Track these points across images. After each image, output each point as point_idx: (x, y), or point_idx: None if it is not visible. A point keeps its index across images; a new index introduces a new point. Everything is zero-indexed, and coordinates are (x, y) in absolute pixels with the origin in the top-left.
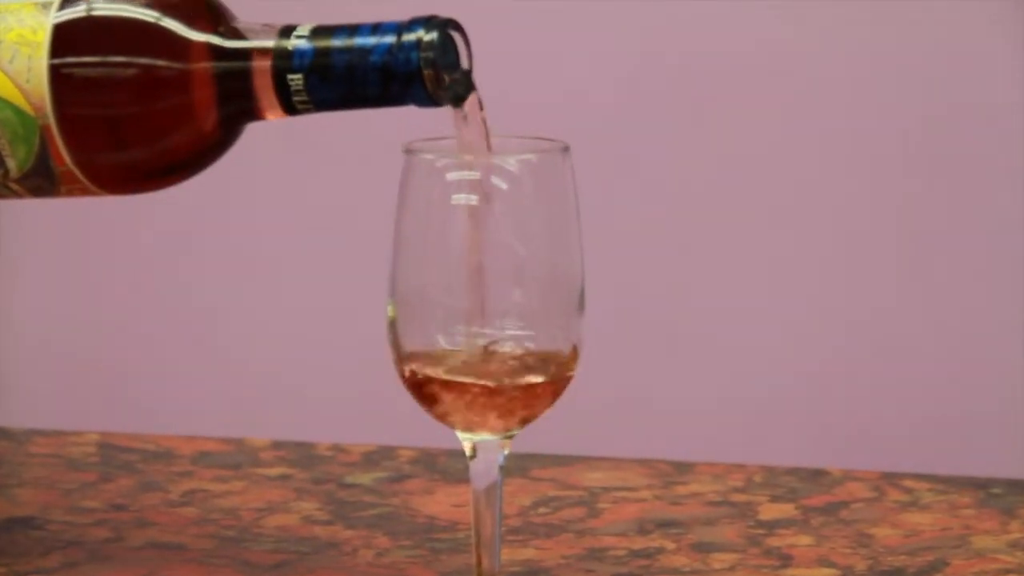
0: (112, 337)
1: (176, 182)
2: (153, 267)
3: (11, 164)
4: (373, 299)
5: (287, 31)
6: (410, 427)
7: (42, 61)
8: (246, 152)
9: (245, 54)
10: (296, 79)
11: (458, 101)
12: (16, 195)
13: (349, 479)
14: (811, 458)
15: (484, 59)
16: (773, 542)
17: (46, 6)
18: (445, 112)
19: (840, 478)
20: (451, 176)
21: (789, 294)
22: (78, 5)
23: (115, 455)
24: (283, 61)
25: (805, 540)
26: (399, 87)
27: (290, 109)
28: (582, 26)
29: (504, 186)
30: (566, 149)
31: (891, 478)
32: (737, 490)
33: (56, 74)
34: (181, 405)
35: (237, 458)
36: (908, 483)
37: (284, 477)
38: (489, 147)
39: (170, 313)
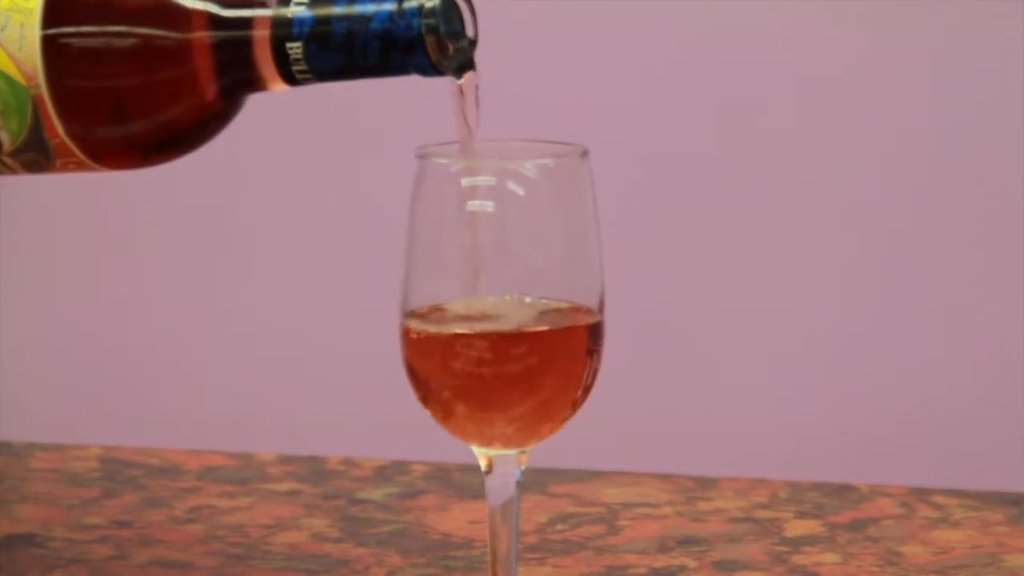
0: (115, 348)
1: (175, 156)
2: (158, 277)
3: (4, 136)
4: (385, 309)
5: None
6: (423, 441)
7: (34, 29)
8: (255, 160)
9: (244, 22)
10: (295, 47)
11: (462, 70)
12: (11, 170)
13: (360, 495)
14: (838, 473)
15: (501, 60)
16: (799, 560)
17: None
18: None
19: (868, 494)
20: (466, 182)
21: (816, 306)
22: None
23: (118, 470)
24: (282, 29)
25: (832, 558)
26: (400, 55)
27: (290, 79)
28: (602, 27)
29: (520, 191)
30: (585, 153)
31: (921, 494)
32: (761, 506)
33: (48, 43)
34: (187, 418)
35: (245, 473)
36: (938, 499)
37: (293, 493)
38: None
39: (175, 323)
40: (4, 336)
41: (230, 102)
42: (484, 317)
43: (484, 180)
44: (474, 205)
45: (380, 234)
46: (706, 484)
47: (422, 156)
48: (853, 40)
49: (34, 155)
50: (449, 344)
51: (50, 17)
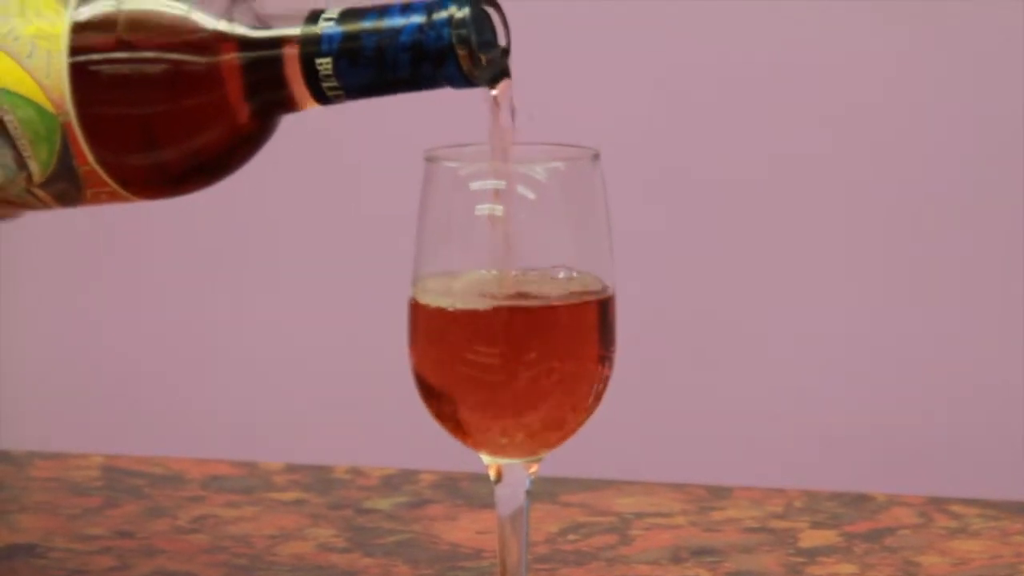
0: (117, 354)
1: (208, 182)
2: (162, 283)
3: (34, 167)
4: (392, 316)
5: (314, 16)
6: (432, 450)
7: (61, 56)
8: (262, 168)
9: (273, 42)
10: (325, 63)
11: (496, 80)
12: (43, 203)
13: (367, 504)
14: (854, 482)
15: (511, 63)
16: (814, 571)
17: (65, 0)
18: (465, 120)
19: (885, 503)
20: (475, 185)
21: (832, 313)
22: None
23: (121, 479)
24: (311, 46)
25: (848, 569)
26: (431, 66)
27: (321, 97)
28: (614, 31)
29: (531, 195)
30: (596, 157)
31: (938, 503)
32: (776, 516)
33: (76, 70)
34: (190, 426)
35: (249, 482)
36: (956, 508)
37: (299, 502)
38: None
39: (179, 330)
40: (5, 344)
41: (262, 124)
42: (492, 326)
43: (494, 183)
44: (484, 209)
45: (386, 239)
46: (720, 493)
47: (430, 159)
48: (869, 44)
49: (65, 185)
50: (458, 348)
51: (77, 44)
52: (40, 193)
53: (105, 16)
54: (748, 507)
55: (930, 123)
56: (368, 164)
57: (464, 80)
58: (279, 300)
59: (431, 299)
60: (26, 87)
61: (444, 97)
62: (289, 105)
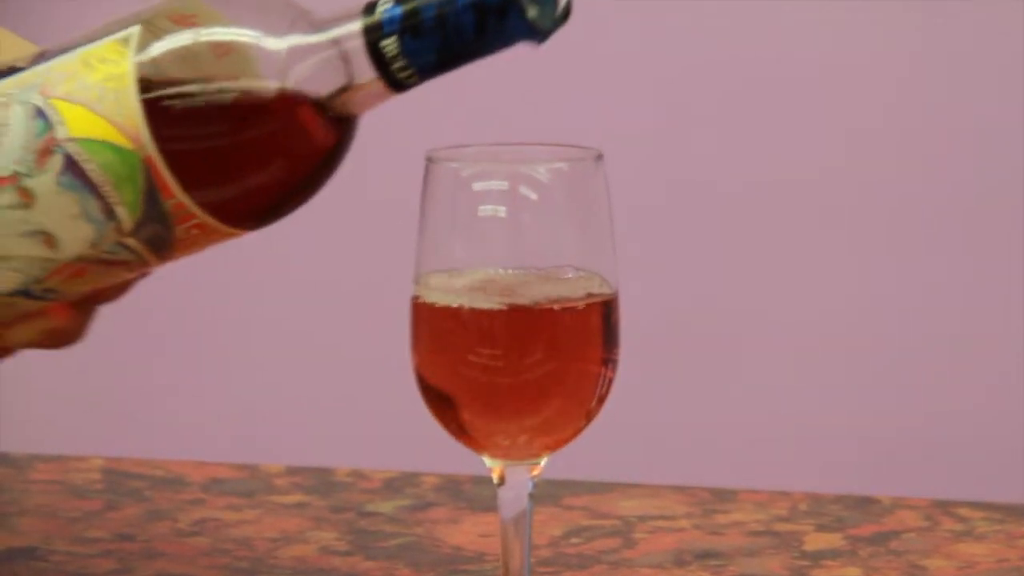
0: (118, 356)
1: (303, 199)
2: (162, 283)
3: (122, 212)
4: (394, 317)
5: (371, 6)
6: (434, 452)
7: (130, 92)
8: None
9: (337, 41)
10: (390, 45)
11: (564, 20)
12: (139, 258)
13: (369, 507)
14: (859, 485)
15: (515, 64)
16: (819, 574)
17: (126, 40)
18: (466, 120)
19: (890, 506)
20: (477, 186)
21: (836, 314)
22: (158, 34)
23: (121, 482)
24: (374, 33)
25: (853, 572)
26: (495, 21)
27: (393, 82)
28: (618, 32)
29: (534, 195)
30: (599, 157)
31: (944, 506)
32: (781, 519)
33: (148, 105)
34: (191, 429)
35: (251, 485)
36: (962, 512)
37: (301, 505)
38: None
39: (179, 331)
40: None
41: (343, 129)
42: (495, 327)
43: (497, 184)
44: (486, 210)
45: (387, 240)
46: (724, 496)
47: (432, 160)
48: (872, 42)
49: (155, 228)
50: (461, 351)
51: (144, 83)
52: (132, 243)
53: (168, 51)
54: (752, 510)
55: (936, 127)
56: (369, 165)
57: (533, 30)
58: (280, 301)
59: (434, 298)
60: (101, 130)
61: (445, 97)
62: (366, 100)
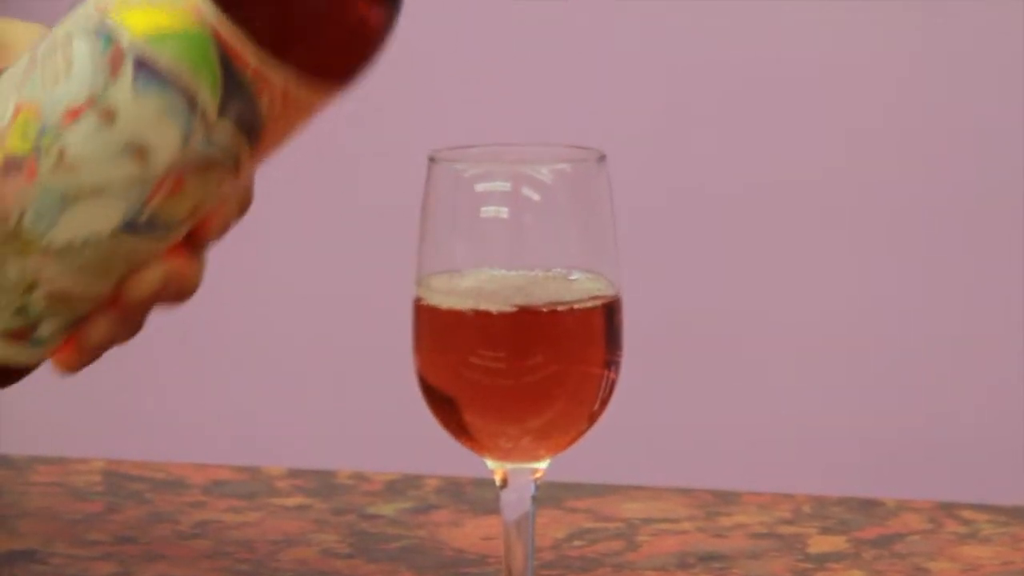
0: (118, 358)
1: (377, 45)
2: None
3: (204, 98)
4: (396, 318)
5: None
6: (436, 454)
7: None
8: (265, 170)
9: None
10: None
11: None
12: (230, 155)
13: (371, 509)
14: (863, 487)
15: (519, 65)
16: None
17: None
18: (468, 120)
19: (894, 509)
20: (480, 187)
21: (840, 315)
22: None
23: (122, 484)
24: None
25: (857, 575)
26: None
27: None
28: (622, 31)
29: (537, 197)
30: (602, 158)
31: (949, 509)
32: (785, 521)
33: None
34: (192, 430)
35: (252, 487)
36: (967, 514)
37: (302, 508)
38: None
39: (180, 333)
40: None
41: None
42: (498, 329)
43: (499, 185)
44: (489, 211)
45: (388, 241)
46: (728, 499)
47: (435, 161)
48: (873, 42)
49: (238, 106)
50: (464, 353)
51: None
52: (221, 133)
53: None
54: (756, 512)
55: (938, 127)
56: (371, 166)
57: None
58: (281, 303)
59: (436, 300)
60: (163, 21)
61: (447, 98)
62: None
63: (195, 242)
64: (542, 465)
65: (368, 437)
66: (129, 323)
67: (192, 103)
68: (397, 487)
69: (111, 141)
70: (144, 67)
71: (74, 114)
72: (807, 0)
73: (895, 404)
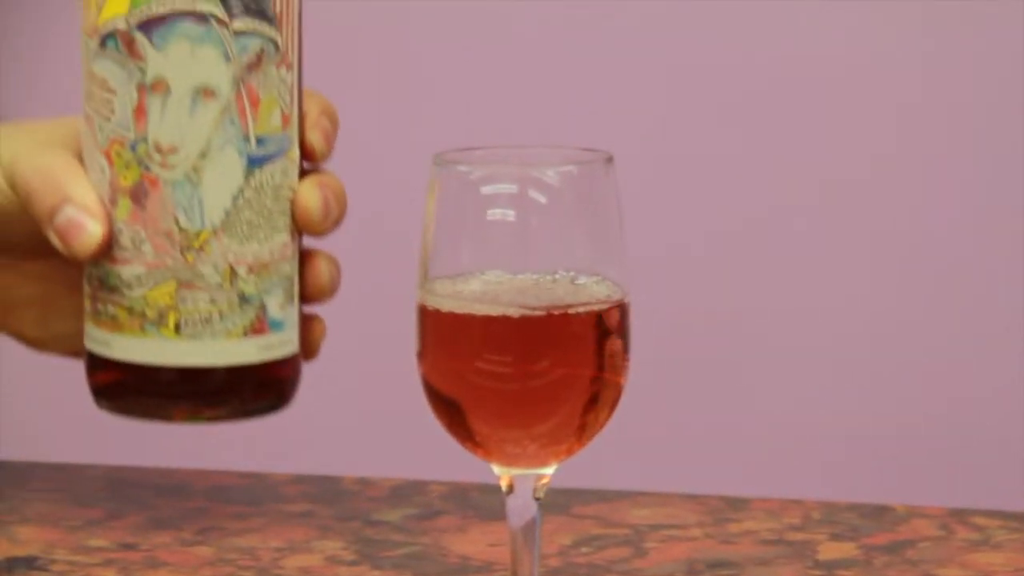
0: None
1: None
2: None
3: (211, 9)
4: (401, 323)
5: None
6: (441, 460)
7: None
8: None
9: None
10: None
11: None
12: (262, 31)
13: (376, 516)
14: (873, 493)
15: (524, 65)
16: None
17: None
18: (474, 122)
19: (905, 515)
20: (486, 189)
21: (849, 319)
22: None
23: (124, 490)
24: None
25: None
26: None
27: None
28: (630, 33)
29: (544, 199)
30: (610, 160)
31: (960, 515)
32: (794, 528)
33: None
34: (195, 436)
35: (256, 493)
36: (978, 520)
37: (306, 514)
38: None
39: None
40: (6, 352)
41: None
42: (504, 333)
43: (505, 187)
44: (495, 213)
45: (392, 244)
46: (736, 505)
47: (440, 163)
48: (884, 43)
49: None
50: (469, 360)
51: None
52: (244, 27)
53: None
54: (765, 519)
55: (950, 130)
56: (375, 168)
57: None
58: None
59: (442, 304)
60: None
61: (453, 99)
62: None
63: (313, 159)
64: (548, 471)
65: (373, 442)
66: (326, 258)
67: (204, 19)
68: (402, 493)
69: (180, 103)
70: (149, 25)
71: (140, 111)
72: (816, 1)
73: (905, 409)
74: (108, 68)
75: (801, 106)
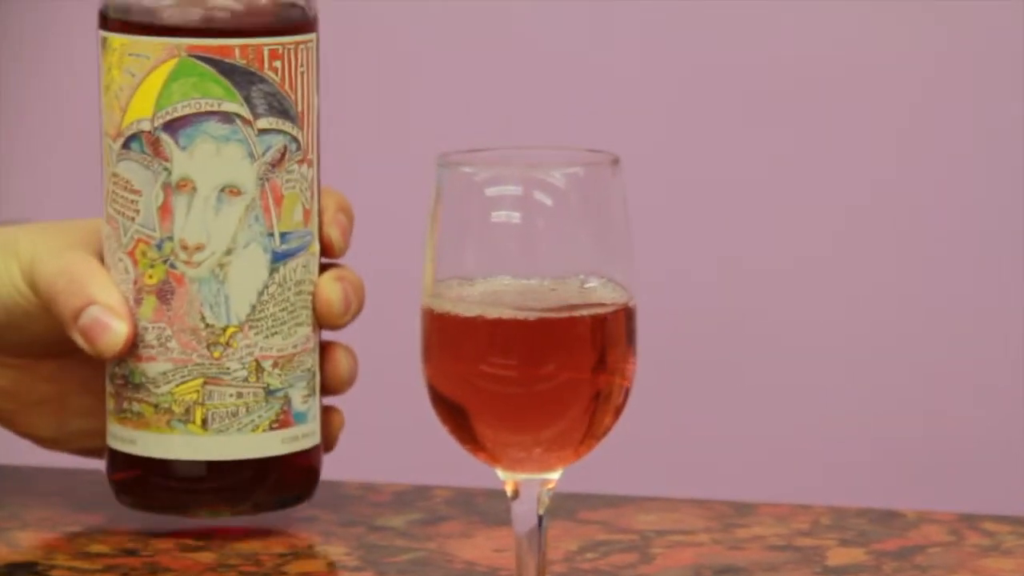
0: None
1: None
2: None
3: (232, 107)
4: (405, 326)
5: None
6: (446, 465)
7: None
8: None
9: None
10: None
11: None
12: (282, 128)
13: (380, 521)
14: (883, 499)
15: (529, 67)
16: None
17: None
18: (478, 123)
19: (915, 520)
20: (491, 191)
21: (859, 323)
22: None
23: None
24: None
25: None
26: None
27: None
28: (636, 34)
29: (550, 201)
30: (616, 161)
31: (970, 520)
32: (803, 533)
33: None
34: None
35: None
36: (989, 526)
37: (309, 519)
38: None
39: None
40: None
41: None
42: (510, 336)
43: (511, 189)
44: (500, 215)
45: (397, 247)
46: (744, 510)
47: (444, 165)
48: (890, 43)
49: (259, 91)
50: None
51: None
52: (266, 125)
53: None
54: (773, 524)
55: (954, 130)
56: (378, 169)
57: None
58: None
59: (446, 307)
60: (156, 82)
61: (457, 101)
62: None
63: (331, 254)
64: (554, 476)
65: (376, 447)
66: (345, 350)
67: (229, 119)
68: (406, 498)
69: (206, 202)
70: (174, 126)
71: (166, 211)
72: (824, 2)
73: (915, 415)
74: (132, 169)
75: (809, 109)
